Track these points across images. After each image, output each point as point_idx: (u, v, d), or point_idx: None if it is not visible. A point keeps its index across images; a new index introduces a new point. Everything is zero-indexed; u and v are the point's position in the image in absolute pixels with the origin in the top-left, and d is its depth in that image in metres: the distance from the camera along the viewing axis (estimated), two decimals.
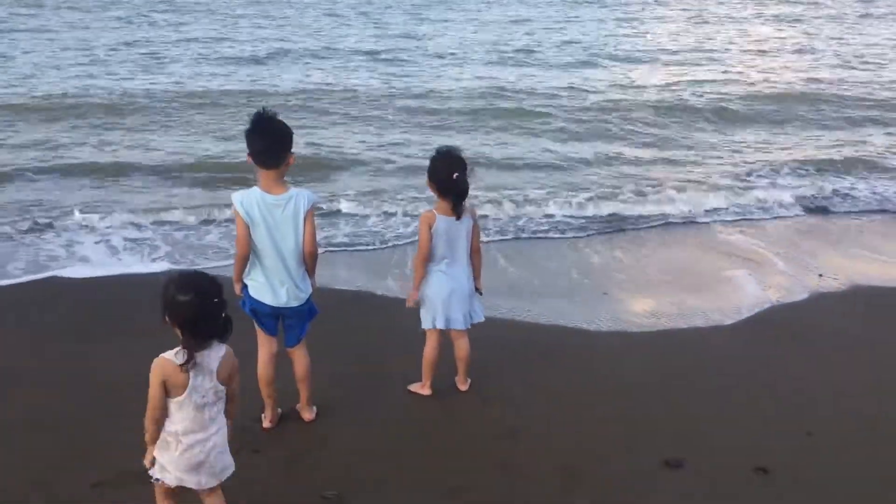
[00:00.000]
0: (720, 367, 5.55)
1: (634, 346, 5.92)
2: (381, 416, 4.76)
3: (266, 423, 4.56)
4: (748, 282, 7.26)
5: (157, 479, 3.28)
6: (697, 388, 5.21)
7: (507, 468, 4.25)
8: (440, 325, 4.82)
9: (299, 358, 4.53)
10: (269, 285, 4.24)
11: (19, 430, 4.49)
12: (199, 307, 3.08)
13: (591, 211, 9.15)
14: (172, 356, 3.13)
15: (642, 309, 6.60)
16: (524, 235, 8.56)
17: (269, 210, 4.13)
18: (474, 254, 4.84)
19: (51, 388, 4.96)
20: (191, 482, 3.26)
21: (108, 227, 8.18)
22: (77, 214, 8.36)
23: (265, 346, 4.44)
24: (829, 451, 4.50)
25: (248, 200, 4.13)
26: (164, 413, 3.18)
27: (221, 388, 3.24)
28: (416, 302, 4.83)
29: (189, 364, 3.10)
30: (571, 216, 9.04)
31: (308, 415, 4.67)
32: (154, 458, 3.26)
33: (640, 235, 8.66)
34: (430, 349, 4.91)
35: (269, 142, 4.15)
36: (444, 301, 4.76)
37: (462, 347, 4.97)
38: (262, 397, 4.50)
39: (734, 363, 5.62)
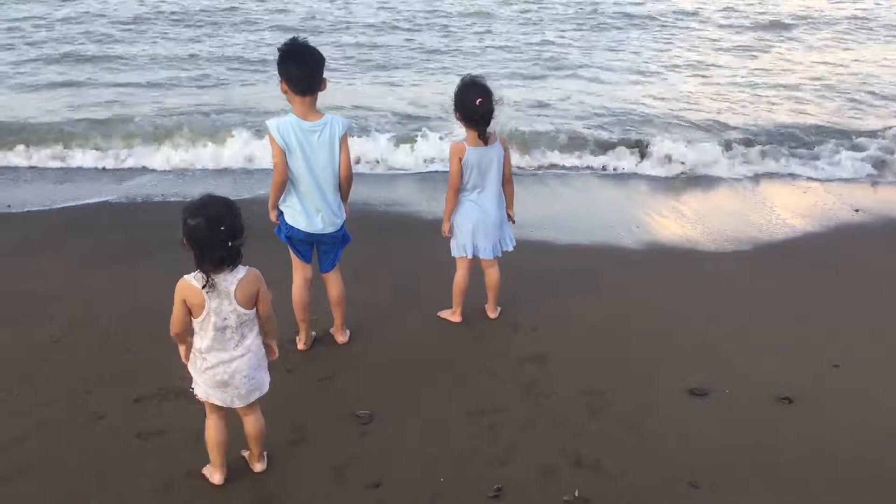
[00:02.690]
0: (750, 299, 5.55)
1: (665, 275, 5.94)
2: (412, 341, 4.88)
3: (300, 346, 4.69)
4: (779, 214, 7.23)
5: (192, 390, 3.46)
6: (726, 319, 5.23)
7: (532, 391, 4.35)
8: (469, 253, 4.89)
9: (334, 283, 4.64)
10: (305, 212, 4.31)
11: (63, 348, 4.69)
12: (206, 231, 3.10)
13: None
14: (192, 278, 3.21)
15: (673, 239, 6.60)
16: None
17: (306, 136, 4.17)
18: (506, 182, 4.85)
19: (93, 308, 5.16)
20: (217, 399, 3.40)
21: None
22: None
23: (300, 272, 4.54)
24: (854, 383, 4.52)
25: (284, 127, 4.16)
26: (184, 329, 3.30)
27: (244, 311, 3.29)
28: (450, 231, 4.89)
29: (207, 286, 3.18)
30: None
31: (342, 338, 4.80)
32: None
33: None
34: (460, 277, 4.98)
35: (307, 69, 4.17)
36: (472, 230, 4.81)
37: (492, 276, 5.04)
38: (297, 321, 4.63)
39: (764, 294, 5.61)
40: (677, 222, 7.06)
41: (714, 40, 15.27)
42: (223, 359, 3.32)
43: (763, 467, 3.76)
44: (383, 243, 6.23)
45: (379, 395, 4.28)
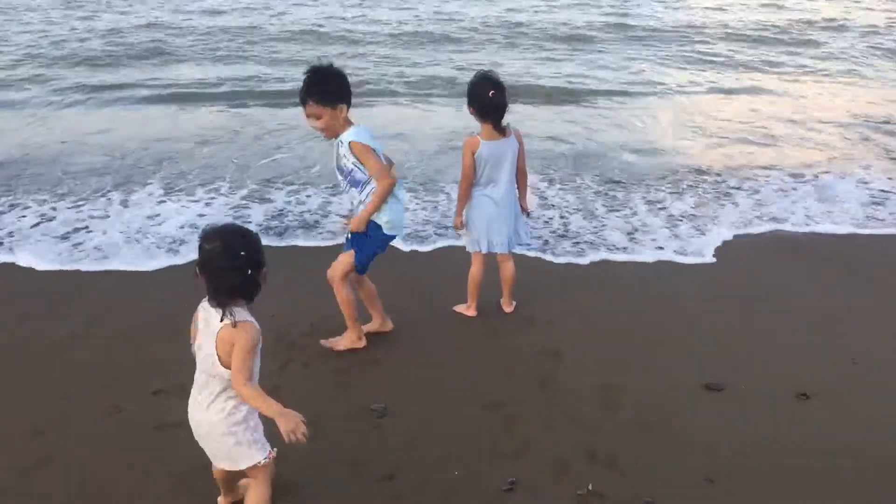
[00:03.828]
0: (770, 294, 5.52)
1: (681, 271, 5.91)
2: (427, 334, 4.89)
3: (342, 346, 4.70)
4: (806, 211, 7.19)
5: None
6: (745, 315, 5.20)
7: (547, 385, 4.35)
8: (483, 248, 4.89)
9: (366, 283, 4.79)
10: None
11: (80, 342, 4.75)
12: (222, 256, 2.82)
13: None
14: (206, 301, 2.94)
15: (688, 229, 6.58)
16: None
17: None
18: (520, 175, 4.85)
19: (109, 306, 5.22)
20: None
21: None
22: None
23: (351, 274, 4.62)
24: (873, 379, 4.48)
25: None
26: None
27: (217, 362, 2.89)
28: (463, 225, 4.89)
29: (225, 314, 2.85)
30: None
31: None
32: None
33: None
34: (475, 271, 4.99)
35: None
36: (486, 225, 4.82)
37: (507, 270, 5.04)
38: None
39: (784, 290, 5.59)
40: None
41: None
42: (193, 406, 3.05)
43: (779, 463, 3.74)
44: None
45: (394, 388, 4.30)
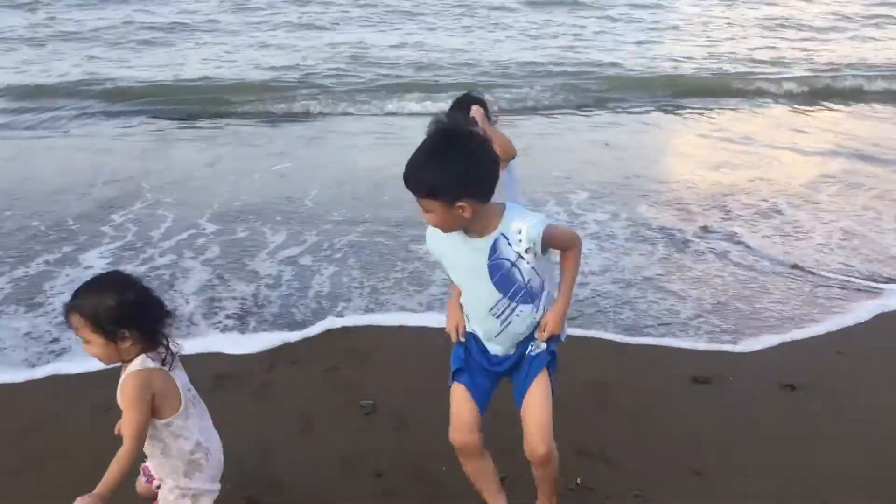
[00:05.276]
0: (754, 291, 5.57)
1: (669, 261, 5.95)
2: (416, 331, 4.90)
3: None
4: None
5: None
6: (730, 312, 5.25)
7: None
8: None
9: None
10: None
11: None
12: (145, 298, 2.59)
13: None
14: (148, 362, 2.56)
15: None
16: None
17: None
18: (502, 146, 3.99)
19: None
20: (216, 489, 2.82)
21: None
22: None
23: None
24: (859, 370, 4.53)
25: None
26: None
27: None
28: None
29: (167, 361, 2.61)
30: None
31: None
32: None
33: None
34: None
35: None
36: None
37: None
38: None
39: (768, 286, 5.63)
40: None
41: None
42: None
43: (766, 455, 3.77)
44: (393, 235, 6.27)
45: (382, 385, 4.30)
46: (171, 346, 2.62)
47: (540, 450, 2.97)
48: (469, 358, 3.07)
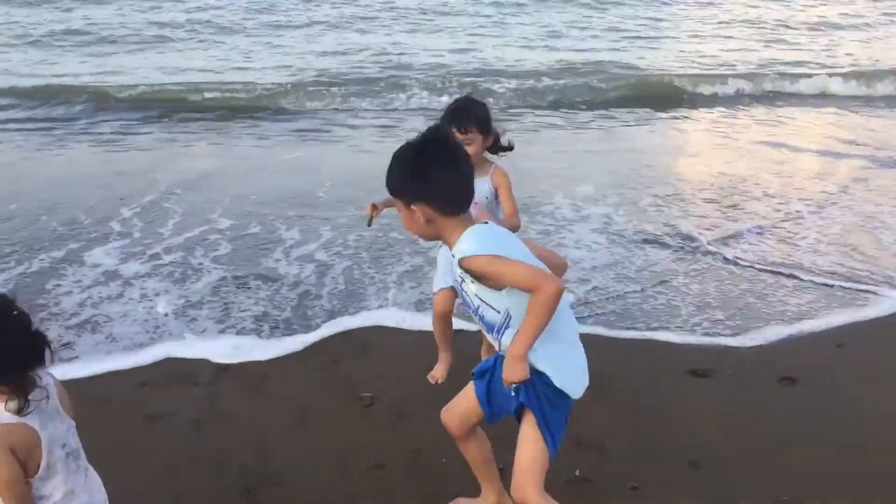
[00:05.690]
0: (754, 288, 5.56)
1: (667, 252, 5.96)
2: (414, 324, 4.91)
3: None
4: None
5: None
6: (728, 306, 5.24)
7: None
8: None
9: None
10: None
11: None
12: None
13: None
14: (4, 416, 2.14)
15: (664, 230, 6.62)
16: None
17: None
18: (507, 219, 3.88)
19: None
20: None
21: None
22: None
23: None
24: (858, 361, 4.52)
25: None
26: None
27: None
28: None
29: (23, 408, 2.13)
30: None
31: None
32: None
33: None
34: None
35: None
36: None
37: None
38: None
39: (769, 283, 5.62)
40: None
41: None
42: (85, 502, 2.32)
43: (763, 447, 3.77)
44: (389, 229, 6.29)
45: (381, 378, 4.32)
46: (37, 394, 2.15)
47: (515, 496, 2.80)
48: (494, 371, 2.90)
